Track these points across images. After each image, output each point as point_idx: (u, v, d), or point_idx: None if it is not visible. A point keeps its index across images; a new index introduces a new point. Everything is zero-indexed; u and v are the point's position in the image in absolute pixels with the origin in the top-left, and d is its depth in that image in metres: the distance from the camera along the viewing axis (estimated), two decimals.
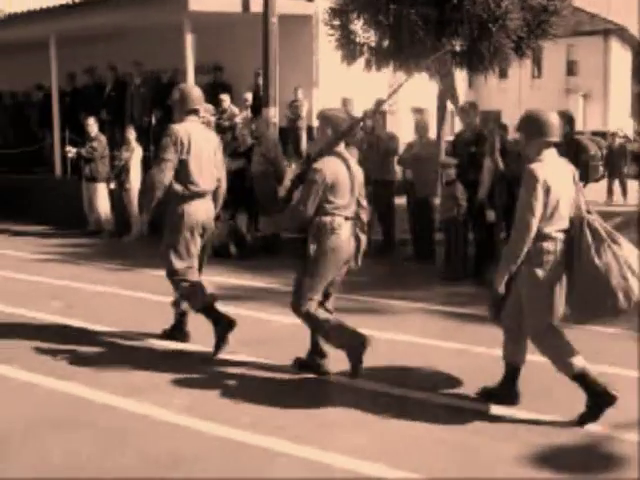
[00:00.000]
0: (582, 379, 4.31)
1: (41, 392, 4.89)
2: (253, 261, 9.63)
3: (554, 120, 4.40)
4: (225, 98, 12.40)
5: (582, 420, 4.29)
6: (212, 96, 12.56)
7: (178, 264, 5.62)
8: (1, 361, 5.48)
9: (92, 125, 11.90)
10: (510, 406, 4.55)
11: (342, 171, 4.91)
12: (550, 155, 4.37)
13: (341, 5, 14.90)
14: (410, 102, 25.15)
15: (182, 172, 5.54)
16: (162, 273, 5.80)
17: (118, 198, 11.62)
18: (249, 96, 12.59)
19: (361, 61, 14.12)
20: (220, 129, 11.71)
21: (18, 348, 5.84)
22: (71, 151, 11.99)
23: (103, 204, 11.96)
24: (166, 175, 5.47)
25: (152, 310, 6.91)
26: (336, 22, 15.26)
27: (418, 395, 4.79)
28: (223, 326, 5.60)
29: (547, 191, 4.19)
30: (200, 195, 5.65)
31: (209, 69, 13.77)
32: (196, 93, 5.81)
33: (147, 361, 5.52)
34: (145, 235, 11.39)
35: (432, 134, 10.77)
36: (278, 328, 6.39)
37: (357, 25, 15.44)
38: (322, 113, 5.12)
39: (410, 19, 13.74)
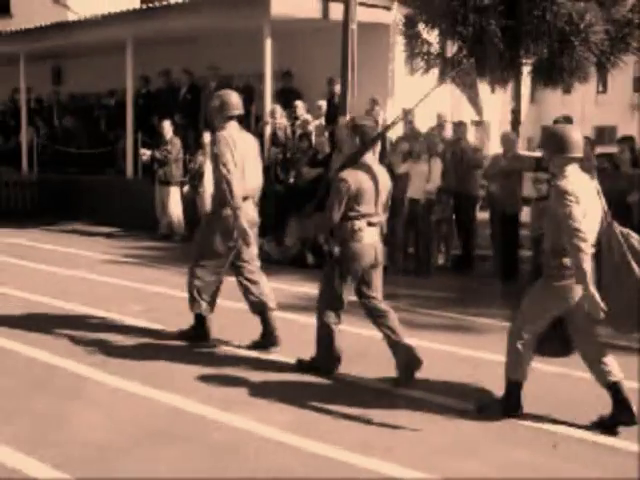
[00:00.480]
0: (516, 388, 4.54)
1: (141, 402, 4.76)
2: None
3: (576, 136, 4.39)
4: (299, 105, 12.28)
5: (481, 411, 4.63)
6: (281, 102, 12.46)
7: (206, 262, 5.85)
8: (94, 365, 5.40)
9: (167, 128, 11.89)
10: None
11: (367, 179, 5.02)
12: (573, 171, 4.35)
13: (415, 14, 14.69)
14: (470, 115, 24.87)
15: None
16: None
17: (191, 202, 11.54)
18: (323, 104, 12.42)
19: (435, 71, 13.93)
20: (293, 136, 11.61)
21: (107, 352, 5.75)
22: (145, 154, 11.96)
23: (176, 207, 11.91)
24: (235, 173, 5.59)
25: (236, 318, 6.76)
26: (410, 32, 15.05)
27: (523, 422, 4.52)
28: (197, 336, 6.08)
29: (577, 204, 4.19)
30: (244, 198, 5.74)
31: (278, 75, 13.65)
32: (235, 100, 5.90)
33: (238, 372, 5.37)
34: None
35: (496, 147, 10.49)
36: (370, 342, 6.16)
37: (431, 35, 15.21)
38: (351, 122, 5.31)
39: (489, 30, 13.49)
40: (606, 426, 4.39)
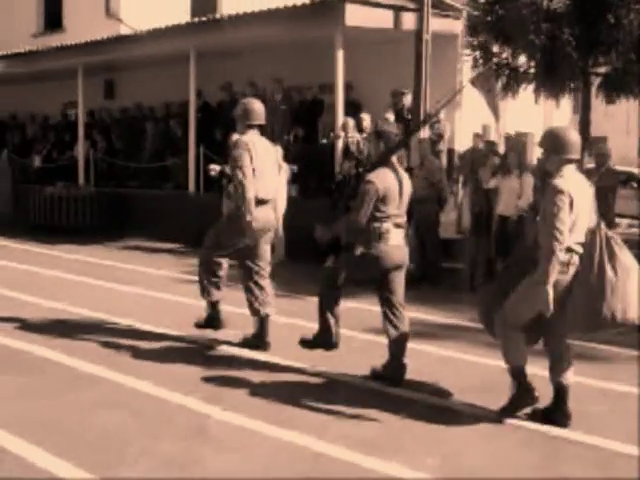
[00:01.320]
0: (519, 375, 4.64)
1: (273, 444, 4.37)
2: (414, 291, 9.01)
3: (574, 138, 4.55)
4: (365, 117, 11.97)
5: (502, 413, 4.73)
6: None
7: (213, 253, 6.24)
8: (209, 401, 5.04)
9: None
10: None
11: (393, 182, 5.22)
12: (570, 171, 4.49)
13: (480, 23, 14.30)
14: (515, 126, 24.37)
15: None
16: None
17: None
18: (391, 116, 12.06)
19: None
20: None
21: (220, 385, 5.42)
22: (214, 169, 11.60)
23: None
24: (250, 178, 5.89)
25: (345, 346, 6.40)
26: (474, 41, 14.64)
27: None
28: (213, 324, 6.48)
29: (570, 204, 4.31)
30: (261, 202, 6.05)
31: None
32: (258, 108, 6.20)
33: (364, 408, 4.96)
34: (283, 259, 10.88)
35: None
36: (493, 373, 5.76)
37: (496, 46, 14.78)
38: (376, 129, 5.59)
39: (562, 39, 13.07)
40: (536, 417, 4.67)
